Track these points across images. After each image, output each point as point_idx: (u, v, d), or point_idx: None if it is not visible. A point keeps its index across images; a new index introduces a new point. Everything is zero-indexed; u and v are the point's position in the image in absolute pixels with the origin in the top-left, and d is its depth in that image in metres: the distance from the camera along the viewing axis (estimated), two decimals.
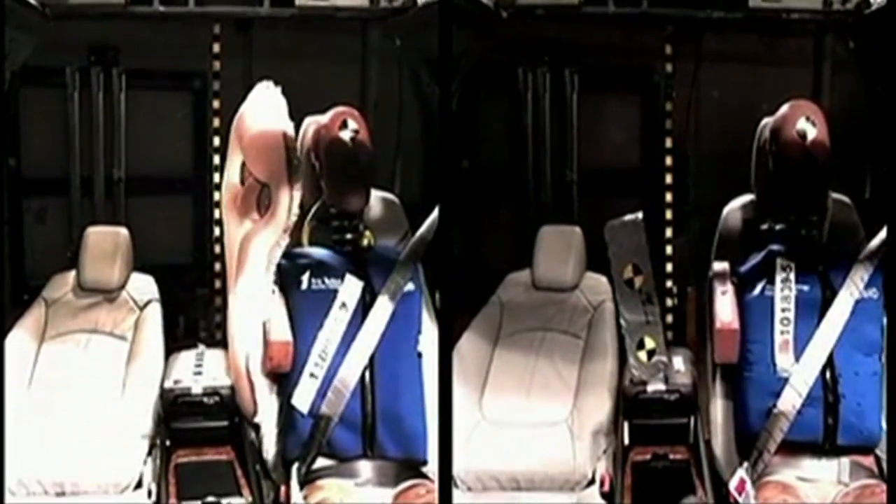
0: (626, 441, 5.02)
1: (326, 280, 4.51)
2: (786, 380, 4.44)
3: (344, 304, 4.48)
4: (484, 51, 6.16)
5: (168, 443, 5.04)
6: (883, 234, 4.53)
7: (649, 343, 4.64)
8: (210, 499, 4.76)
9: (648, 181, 6.55)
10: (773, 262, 4.60)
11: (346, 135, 4.56)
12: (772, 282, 4.57)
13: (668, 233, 6.41)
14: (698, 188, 6.43)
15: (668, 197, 6.43)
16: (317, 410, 4.42)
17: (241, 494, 4.91)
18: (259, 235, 4.53)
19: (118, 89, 6.38)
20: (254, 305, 4.51)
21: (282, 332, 4.45)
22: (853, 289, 4.49)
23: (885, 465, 4.50)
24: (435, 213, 4.64)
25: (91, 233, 5.65)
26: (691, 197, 6.45)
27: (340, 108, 4.62)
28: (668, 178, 6.42)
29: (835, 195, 4.87)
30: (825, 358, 4.44)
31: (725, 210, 5.05)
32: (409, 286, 4.59)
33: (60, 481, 4.87)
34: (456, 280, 5.03)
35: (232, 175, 4.63)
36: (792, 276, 4.55)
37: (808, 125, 4.53)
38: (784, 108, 4.62)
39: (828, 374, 4.46)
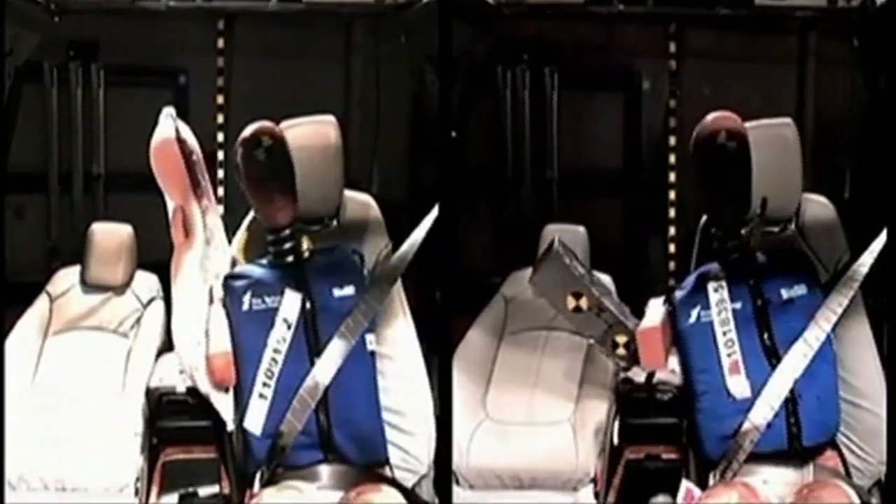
0: (616, 440, 5.02)
1: (266, 298, 4.45)
2: (741, 401, 4.41)
3: (285, 321, 4.44)
4: (487, 49, 6.15)
5: (155, 441, 5.03)
6: (865, 259, 4.51)
7: (621, 339, 4.63)
8: (189, 489, 4.76)
9: (630, 180, 6.56)
10: (703, 284, 4.58)
11: (259, 154, 4.43)
12: (706, 306, 4.53)
13: (672, 230, 6.43)
14: (684, 188, 6.45)
15: (672, 195, 6.45)
16: (271, 429, 4.40)
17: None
18: (182, 259, 4.49)
19: (97, 85, 6.36)
20: (188, 330, 4.47)
21: (220, 344, 4.41)
22: (830, 314, 4.45)
23: (847, 460, 4.53)
24: (417, 231, 4.59)
25: (96, 230, 5.62)
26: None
27: (256, 125, 4.49)
28: (672, 177, 6.45)
29: (811, 196, 4.83)
30: (798, 373, 4.40)
31: (704, 218, 4.98)
32: (351, 289, 4.56)
33: (62, 478, 4.88)
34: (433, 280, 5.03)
35: (168, 207, 4.58)
36: (725, 293, 4.51)
37: (728, 139, 4.46)
38: (706, 121, 4.53)
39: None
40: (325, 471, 4.44)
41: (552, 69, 6.54)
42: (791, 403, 4.40)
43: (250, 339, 4.43)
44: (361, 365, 4.49)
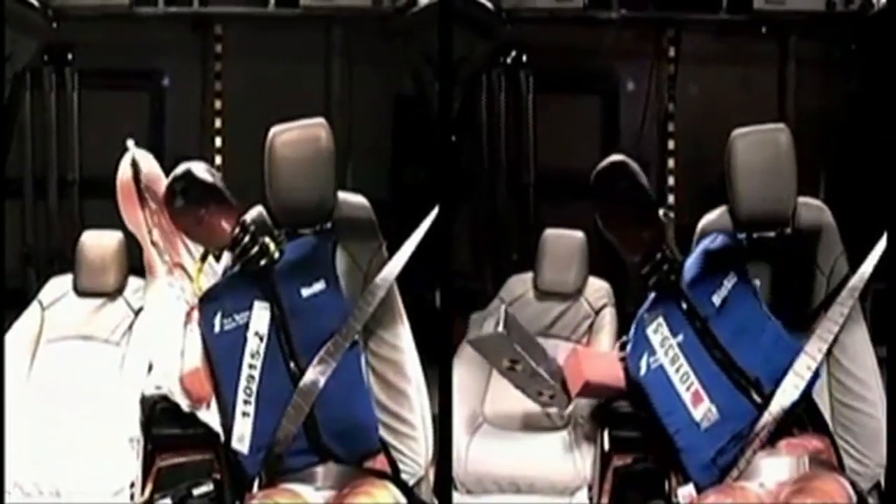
0: (607, 447, 5.03)
1: (236, 316, 4.40)
2: (713, 426, 4.42)
3: (257, 334, 4.43)
4: (487, 53, 6.14)
5: (150, 446, 5.01)
6: (864, 269, 4.52)
7: (548, 393, 4.68)
8: (182, 490, 4.75)
9: None
10: (643, 330, 4.55)
11: (178, 201, 4.35)
12: (652, 351, 4.53)
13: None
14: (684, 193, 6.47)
15: (671, 199, 6.48)
16: (259, 444, 4.38)
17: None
18: (149, 292, 4.49)
19: (71, 89, 6.33)
20: (164, 355, 4.45)
21: (190, 362, 4.36)
22: (832, 325, 4.45)
23: (846, 463, 4.53)
24: (414, 236, 4.57)
25: (86, 238, 5.55)
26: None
27: (172, 175, 4.33)
28: (671, 180, 6.47)
29: (806, 199, 4.81)
30: (804, 385, 4.40)
31: (701, 223, 4.95)
32: (321, 285, 4.55)
33: (56, 483, 4.89)
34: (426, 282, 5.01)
35: None
36: (665, 330, 4.52)
37: (618, 178, 4.46)
38: (603, 163, 4.54)
39: (744, 383, 4.44)
40: (320, 472, 4.41)
41: (528, 72, 6.54)
42: (760, 396, 4.38)
43: (226, 360, 4.40)
44: (342, 358, 4.48)
